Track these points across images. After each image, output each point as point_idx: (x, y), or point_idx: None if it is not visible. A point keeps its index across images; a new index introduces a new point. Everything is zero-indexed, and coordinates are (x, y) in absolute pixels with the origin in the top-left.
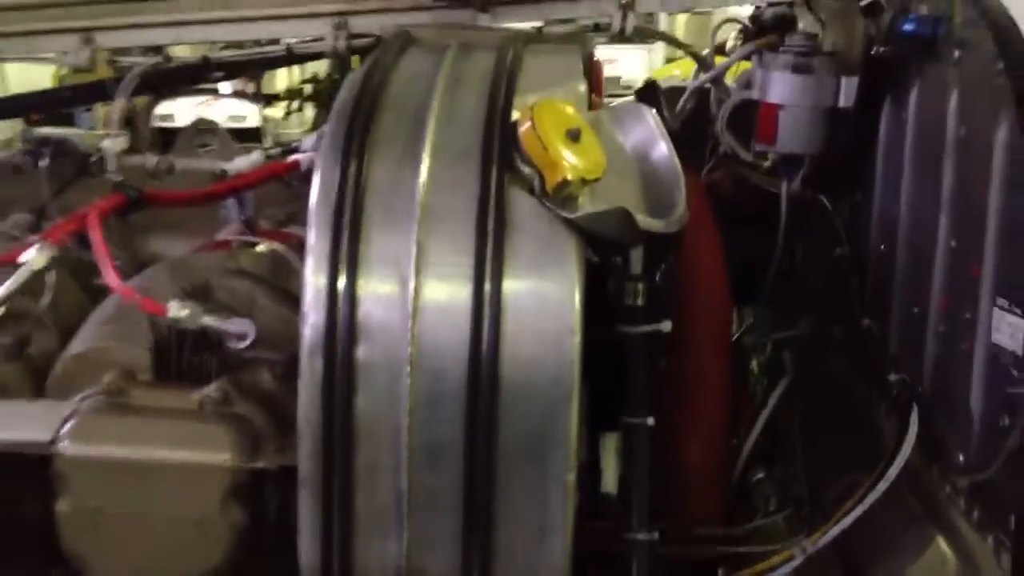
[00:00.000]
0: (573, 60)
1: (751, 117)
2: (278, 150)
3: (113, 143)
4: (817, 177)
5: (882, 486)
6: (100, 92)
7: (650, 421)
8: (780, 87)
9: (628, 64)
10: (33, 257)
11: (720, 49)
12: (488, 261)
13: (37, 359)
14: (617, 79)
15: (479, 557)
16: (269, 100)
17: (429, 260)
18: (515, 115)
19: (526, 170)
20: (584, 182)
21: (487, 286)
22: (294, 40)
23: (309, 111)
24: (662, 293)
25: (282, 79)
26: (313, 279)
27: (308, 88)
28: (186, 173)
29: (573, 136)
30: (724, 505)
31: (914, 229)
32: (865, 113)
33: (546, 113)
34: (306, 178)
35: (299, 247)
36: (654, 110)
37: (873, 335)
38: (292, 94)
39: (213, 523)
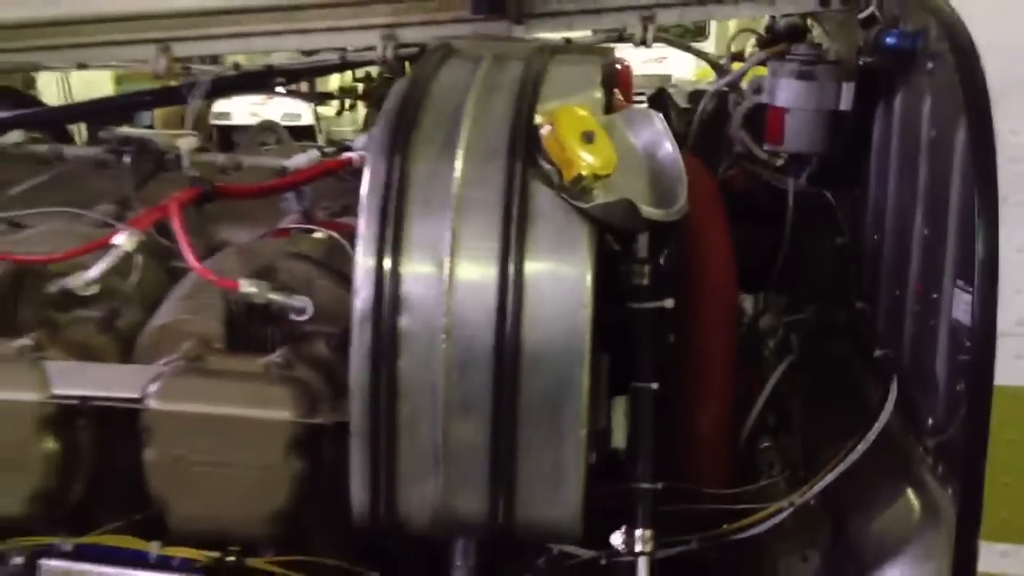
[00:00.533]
0: (592, 70)
1: (763, 119)
2: (332, 148)
3: (187, 142)
4: (821, 174)
5: (861, 447)
6: (176, 96)
7: (654, 386)
8: (786, 92)
9: (677, 63)
10: (123, 241)
11: (738, 56)
12: (512, 245)
13: (125, 330)
14: (668, 77)
15: (503, 497)
16: (323, 99)
17: (461, 244)
18: (538, 119)
19: (546, 167)
20: (596, 177)
21: (511, 267)
22: (348, 49)
23: (361, 109)
24: (666, 274)
25: (335, 78)
26: (363, 260)
27: (360, 87)
28: (251, 169)
29: (587, 137)
30: (730, 469)
31: (897, 220)
32: (860, 116)
33: (564, 117)
34: (358, 174)
35: (351, 235)
36: (661, 114)
37: (864, 316)
38: (345, 93)
39: (277, 470)
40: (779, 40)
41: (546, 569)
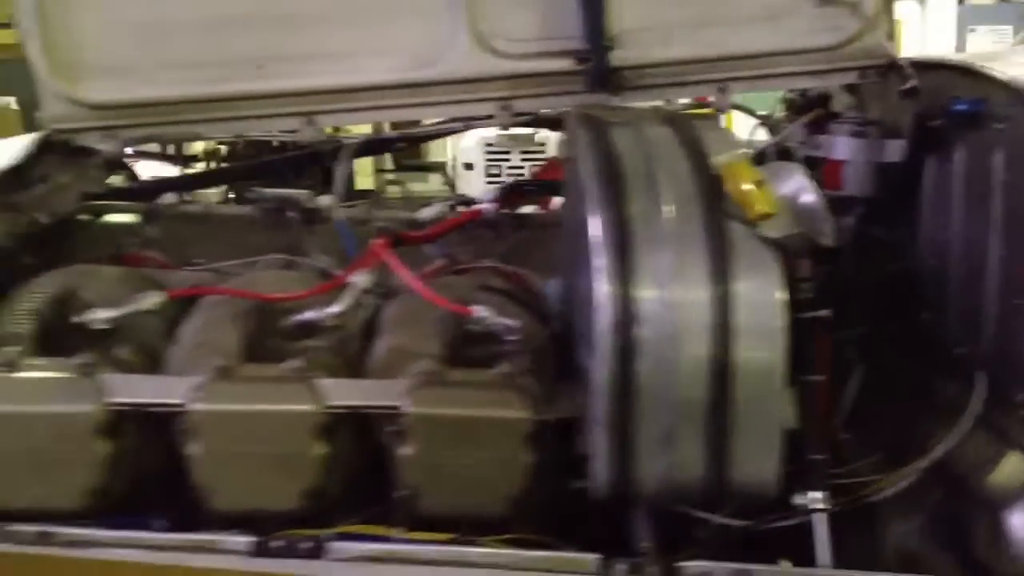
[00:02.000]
0: (729, 133)
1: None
2: (452, 202)
3: (331, 199)
4: (870, 213)
5: (967, 421)
6: (317, 159)
7: (815, 378)
8: (843, 147)
9: None
10: (360, 280)
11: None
12: (720, 270)
13: (351, 355)
14: None
15: (718, 470)
16: (187, 161)
17: (678, 271)
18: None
19: (731, 208)
20: (767, 216)
21: (721, 288)
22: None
23: None
24: (822, 290)
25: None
26: (602, 287)
27: (223, 149)
28: (385, 220)
29: (759, 184)
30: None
31: (966, 246)
32: (912, 166)
33: (741, 169)
34: (485, 224)
35: (497, 274)
36: (802, 167)
37: (930, 325)
38: (209, 155)
39: (515, 461)
40: (812, 105)
41: (706, 540)
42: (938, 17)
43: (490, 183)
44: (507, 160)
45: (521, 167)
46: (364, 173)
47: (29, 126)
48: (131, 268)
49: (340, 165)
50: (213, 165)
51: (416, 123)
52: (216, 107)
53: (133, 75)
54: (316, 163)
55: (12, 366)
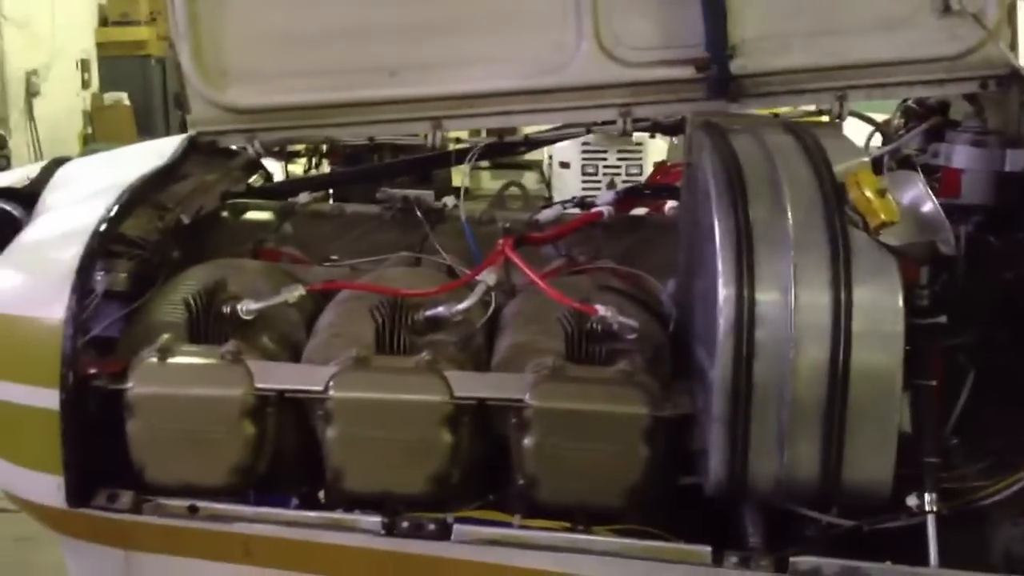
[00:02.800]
0: (850, 142)
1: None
2: (571, 203)
3: (453, 199)
4: (987, 222)
5: None
6: (445, 160)
7: (933, 383)
8: (962, 156)
9: None
10: (489, 278)
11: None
12: (841, 276)
13: (475, 349)
14: None
15: (832, 470)
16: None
17: (801, 275)
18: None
19: (853, 215)
20: (890, 224)
21: (842, 293)
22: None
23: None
24: (939, 297)
25: None
26: (725, 289)
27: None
28: (504, 220)
29: (882, 193)
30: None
31: None
32: None
33: (864, 177)
34: (600, 225)
35: (615, 275)
36: (922, 177)
37: None
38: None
39: (633, 454)
40: (932, 113)
41: (814, 537)
42: None
43: (586, 182)
44: (604, 159)
45: (617, 166)
46: (459, 171)
47: (139, 121)
48: (271, 263)
49: (464, 167)
50: (315, 160)
51: (515, 128)
52: (349, 112)
53: (274, 81)
54: (443, 165)
55: (167, 352)
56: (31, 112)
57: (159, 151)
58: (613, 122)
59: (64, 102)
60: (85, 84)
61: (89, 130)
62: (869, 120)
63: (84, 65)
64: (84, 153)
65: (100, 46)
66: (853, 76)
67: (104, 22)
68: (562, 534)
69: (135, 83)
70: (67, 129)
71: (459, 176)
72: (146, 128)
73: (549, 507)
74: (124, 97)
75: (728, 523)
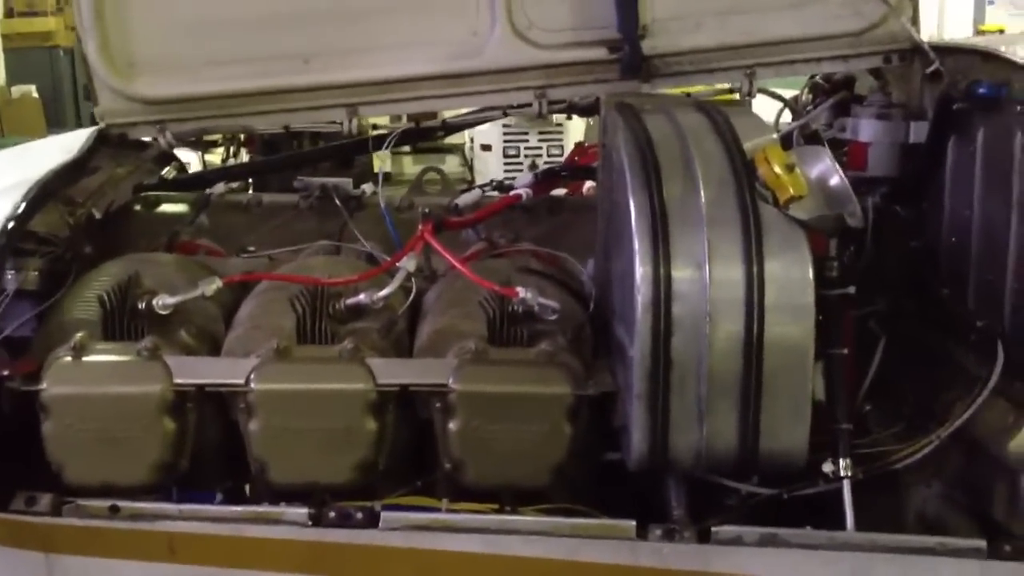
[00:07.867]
0: (758, 119)
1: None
2: (490, 187)
3: (372, 186)
4: (892, 193)
5: (987, 390)
6: (363, 147)
7: (844, 351)
8: (868, 129)
9: None
10: (409, 264)
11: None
12: (752, 250)
13: (397, 336)
14: None
15: (750, 440)
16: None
17: (714, 251)
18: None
19: (764, 191)
20: (799, 198)
21: (754, 267)
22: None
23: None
24: (848, 268)
25: None
26: (641, 267)
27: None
28: (423, 206)
29: (790, 168)
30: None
31: (987, 224)
32: (934, 147)
33: (773, 153)
34: (519, 207)
35: (535, 257)
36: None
37: (950, 300)
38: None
39: (558, 433)
40: (838, 88)
41: (736, 506)
42: None
43: (508, 164)
44: (525, 141)
45: (539, 148)
46: (380, 156)
47: (48, 113)
48: (186, 256)
49: (383, 153)
50: (232, 149)
51: (435, 113)
52: (264, 100)
53: (185, 71)
54: (361, 152)
55: (82, 350)
56: None
57: (67, 145)
58: (529, 104)
59: None
60: None
61: None
62: (778, 97)
63: None
64: None
65: (5, 37)
66: (762, 54)
67: (9, 13)
68: (490, 516)
69: (43, 75)
70: None
71: (379, 162)
72: (56, 121)
73: (476, 490)
74: (32, 90)
75: (652, 497)
